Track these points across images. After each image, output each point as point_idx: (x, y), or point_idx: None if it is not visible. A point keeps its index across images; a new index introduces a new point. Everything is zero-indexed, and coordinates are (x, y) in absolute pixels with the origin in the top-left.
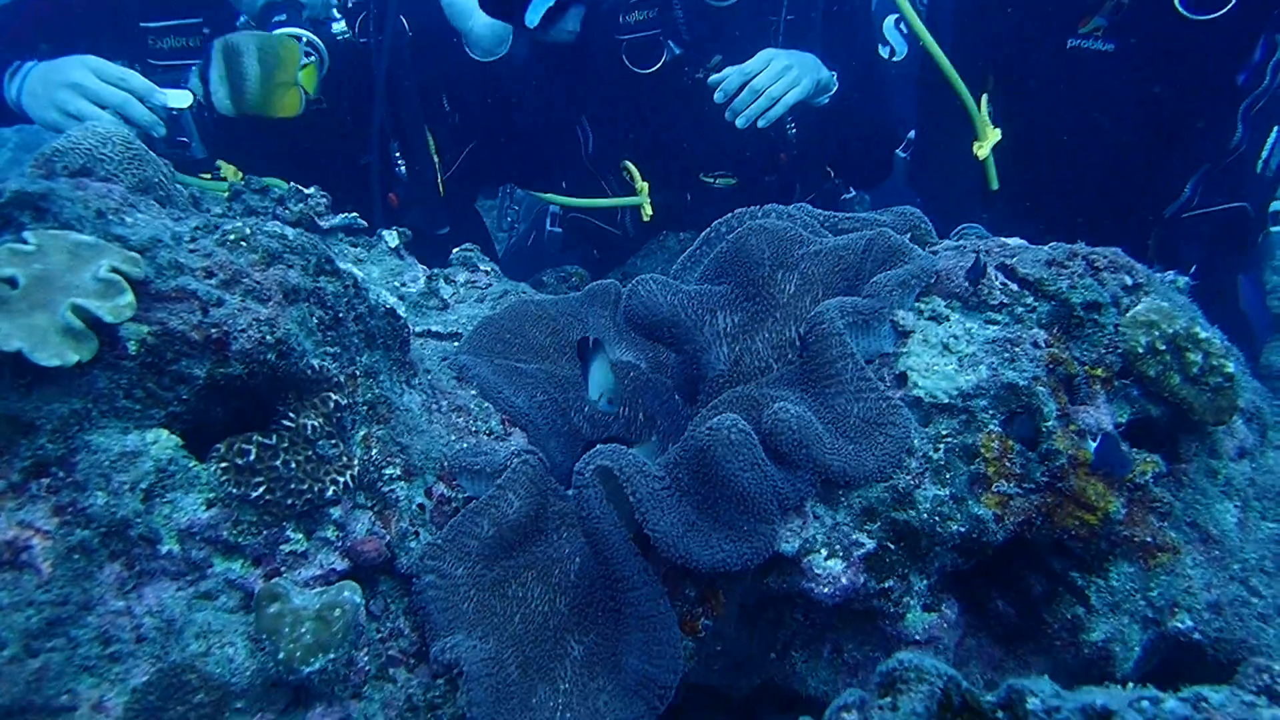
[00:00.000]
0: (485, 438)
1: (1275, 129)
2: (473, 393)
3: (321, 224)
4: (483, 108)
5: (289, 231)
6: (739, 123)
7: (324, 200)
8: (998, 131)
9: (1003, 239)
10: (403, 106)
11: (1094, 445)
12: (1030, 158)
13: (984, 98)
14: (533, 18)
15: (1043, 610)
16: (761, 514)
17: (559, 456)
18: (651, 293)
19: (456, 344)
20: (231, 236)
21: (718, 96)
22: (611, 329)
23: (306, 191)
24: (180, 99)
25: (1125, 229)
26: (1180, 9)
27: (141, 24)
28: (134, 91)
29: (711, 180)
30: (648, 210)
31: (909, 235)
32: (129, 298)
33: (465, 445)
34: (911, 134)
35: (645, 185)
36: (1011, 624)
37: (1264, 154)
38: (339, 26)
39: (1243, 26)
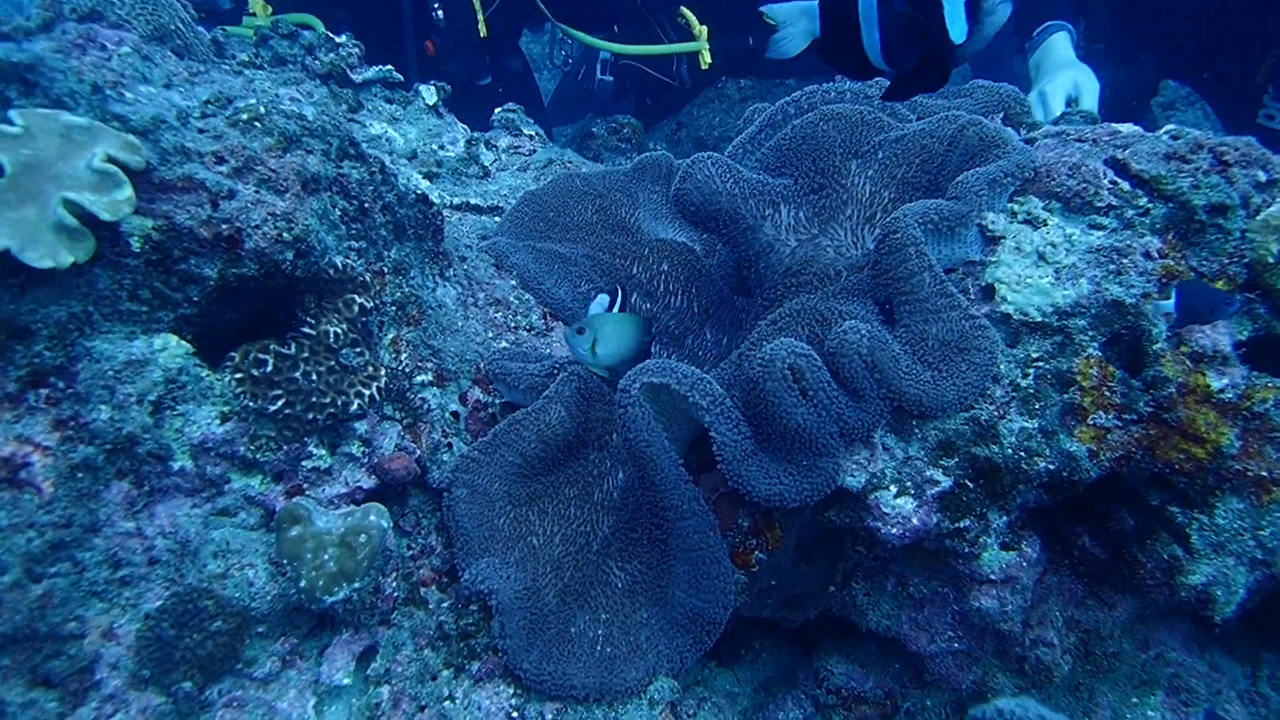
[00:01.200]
0: (525, 334)
1: None
2: (512, 283)
3: (354, 77)
4: None
5: (308, 110)
6: None
7: (356, 50)
8: None
9: (1113, 125)
10: None
11: (1171, 303)
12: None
13: None
14: None
15: (1135, 548)
16: (822, 449)
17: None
18: (709, 177)
19: (497, 219)
20: (244, 116)
21: None
22: (664, 206)
23: (338, 40)
24: None
25: (1237, 48)
26: None
27: None
28: None
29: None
30: (706, 58)
31: (1001, 116)
32: (127, 192)
33: (504, 344)
34: None
35: (704, 29)
36: (1097, 561)
37: None
38: None
39: None
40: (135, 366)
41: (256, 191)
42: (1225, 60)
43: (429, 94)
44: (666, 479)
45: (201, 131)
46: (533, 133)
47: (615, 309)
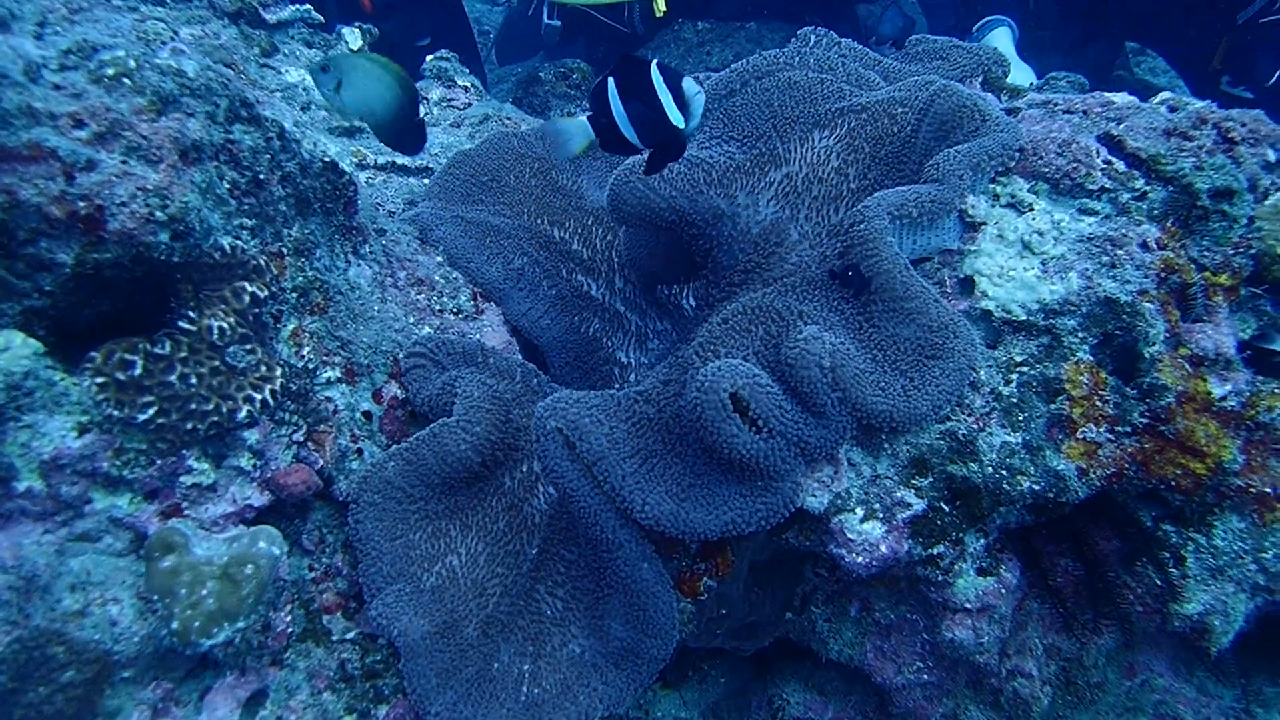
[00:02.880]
0: (452, 317)
1: None
2: (438, 259)
3: (268, 16)
4: None
5: (188, 65)
6: None
7: None
8: None
9: (1107, 94)
10: None
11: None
12: None
13: None
14: None
15: (1121, 571)
16: (776, 473)
17: (544, 321)
18: (638, 194)
19: (426, 181)
20: (110, 71)
21: None
22: (608, 169)
23: None
24: None
25: (1187, 34)
26: None
27: None
28: None
29: None
30: (661, 5)
31: (980, 81)
32: None
33: (426, 330)
34: None
35: None
36: (1080, 585)
37: None
38: None
39: None
40: None
41: (123, 162)
42: (1178, 44)
43: (353, 37)
44: (594, 514)
45: (57, 88)
46: (468, 84)
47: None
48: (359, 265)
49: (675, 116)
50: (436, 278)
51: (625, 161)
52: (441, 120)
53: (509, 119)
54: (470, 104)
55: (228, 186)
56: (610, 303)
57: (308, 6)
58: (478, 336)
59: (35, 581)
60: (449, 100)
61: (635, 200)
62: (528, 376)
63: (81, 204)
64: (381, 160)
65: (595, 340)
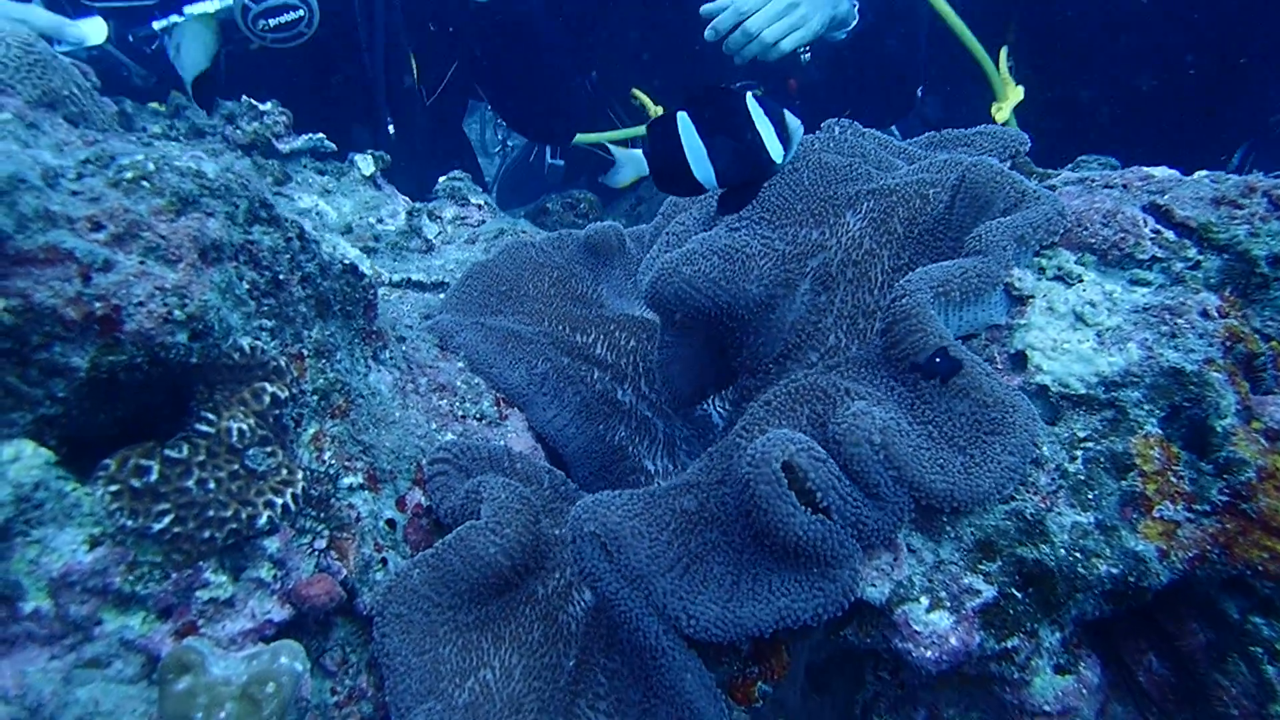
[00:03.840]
0: (475, 423)
1: None
2: (459, 365)
3: (281, 146)
4: (490, 52)
5: (208, 167)
6: (735, 60)
7: (283, 118)
8: (1020, 90)
9: (1145, 168)
10: (394, 56)
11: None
12: (1058, 120)
13: (1003, 52)
14: None
15: (1210, 669)
16: (833, 558)
17: (570, 430)
18: (685, 283)
19: (442, 296)
20: (128, 175)
21: (708, 34)
22: (626, 279)
23: (262, 108)
24: (96, 30)
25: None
26: None
27: None
28: (39, 30)
29: None
30: None
31: (1009, 165)
32: None
33: (450, 436)
34: (920, 92)
35: (659, 110)
36: (1168, 686)
37: None
38: None
39: None
40: None
41: (141, 262)
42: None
43: (365, 164)
44: (631, 616)
45: (74, 194)
46: (481, 202)
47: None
48: (379, 370)
49: (775, 149)
50: (458, 383)
51: (661, 257)
52: (455, 238)
53: (523, 232)
54: (484, 220)
55: (247, 287)
56: (637, 408)
57: (320, 136)
58: (502, 442)
59: (40, 713)
60: (462, 218)
61: (680, 291)
62: (555, 482)
63: (98, 304)
64: (396, 278)
65: (621, 448)
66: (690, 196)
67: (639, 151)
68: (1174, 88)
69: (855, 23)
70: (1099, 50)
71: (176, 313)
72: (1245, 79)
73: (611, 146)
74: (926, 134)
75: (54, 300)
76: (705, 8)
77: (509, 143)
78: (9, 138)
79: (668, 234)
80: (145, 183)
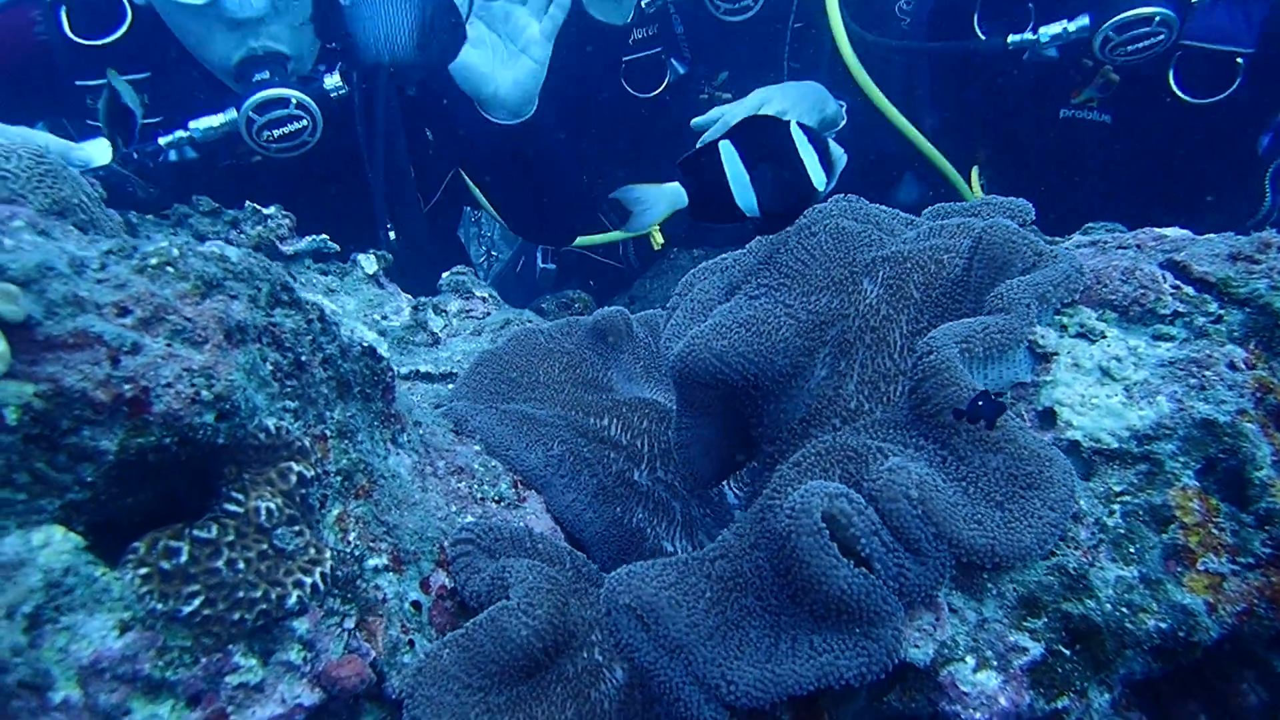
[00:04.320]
0: (494, 505)
1: None
2: (475, 448)
3: (284, 249)
4: (494, 158)
5: (231, 252)
6: None
7: (287, 221)
8: None
9: (1157, 229)
10: (396, 172)
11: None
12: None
13: (974, 171)
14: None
15: None
16: (875, 616)
17: (588, 515)
18: (716, 356)
19: (450, 386)
20: (154, 261)
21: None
22: (635, 363)
23: (266, 211)
24: (101, 152)
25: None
26: (1178, 92)
27: (78, 82)
28: None
29: None
30: (658, 238)
31: None
32: (1, 347)
33: (469, 519)
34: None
35: None
36: None
37: None
38: (332, 81)
39: (1254, 101)
40: (6, 571)
41: (168, 344)
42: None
43: (369, 263)
44: (670, 686)
45: (100, 281)
46: (485, 294)
47: None
48: (399, 453)
49: (819, 177)
50: (476, 466)
51: (689, 331)
52: (461, 330)
53: (529, 321)
54: (489, 313)
55: (271, 368)
56: (654, 490)
57: (324, 237)
58: (522, 524)
59: None
60: (468, 311)
61: (710, 365)
62: (578, 564)
63: (127, 387)
64: (404, 370)
65: (639, 531)
66: (727, 223)
67: (672, 185)
68: (1138, 204)
69: (844, 123)
70: (1063, 169)
71: (204, 393)
72: (1207, 194)
73: (634, 187)
74: (932, 207)
75: (84, 384)
76: (694, 121)
77: (494, 253)
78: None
79: (691, 301)
80: (170, 268)
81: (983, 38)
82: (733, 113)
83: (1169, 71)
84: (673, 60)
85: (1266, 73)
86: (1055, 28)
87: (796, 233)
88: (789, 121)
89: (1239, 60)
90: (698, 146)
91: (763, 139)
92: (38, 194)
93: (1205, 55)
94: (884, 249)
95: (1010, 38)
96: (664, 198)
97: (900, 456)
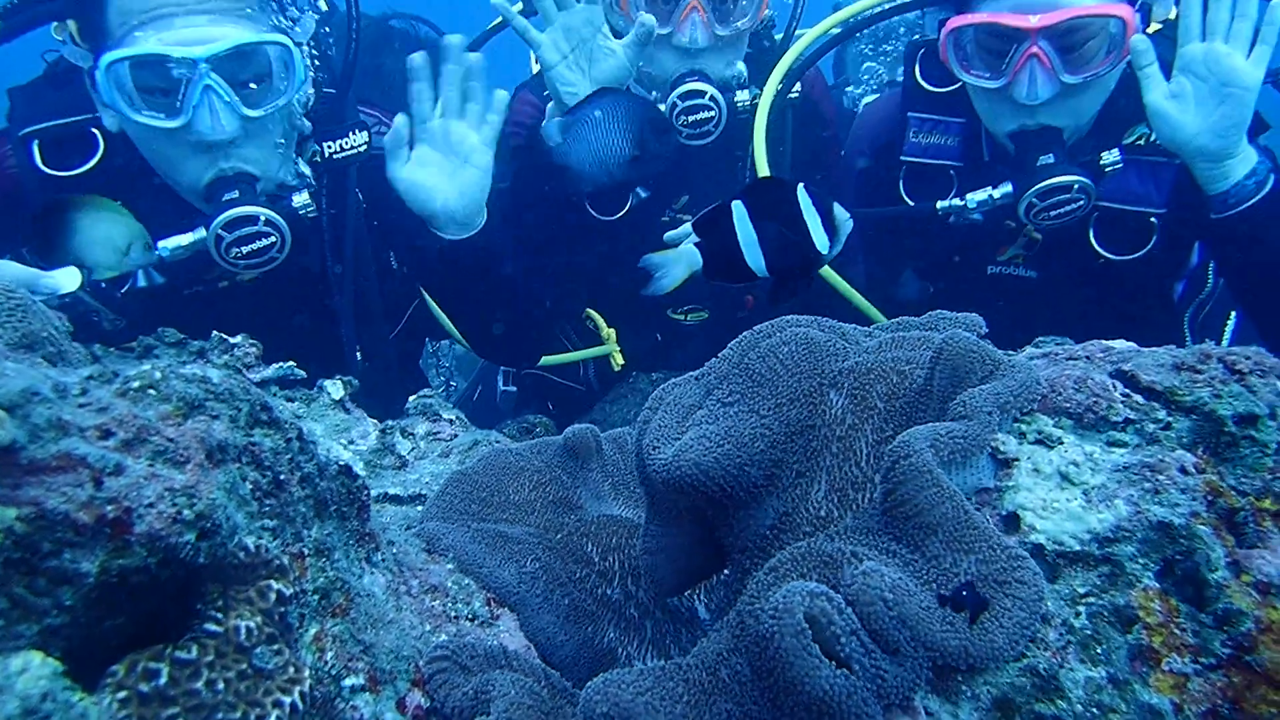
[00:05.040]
0: (468, 623)
1: (1229, 331)
2: (449, 567)
3: (251, 376)
4: (457, 283)
5: (212, 373)
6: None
7: (253, 350)
8: None
9: (1104, 341)
10: (363, 294)
11: None
12: None
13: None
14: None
15: None
16: (856, 716)
17: (560, 637)
18: (695, 466)
19: (420, 508)
20: (136, 384)
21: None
22: (604, 480)
23: (232, 341)
24: (70, 279)
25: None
26: (1098, 248)
27: None
28: (12, 282)
29: (682, 316)
30: (618, 359)
31: None
32: None
33: (443, 637)
34: None
35: (612, 332)
36: None
37: None
38: (300, 199)
39: (1168, 255)
40: None
41: (150, 465)
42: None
43: (335, 389)
44: None
45: (83, 405)
46: (453, 417)
47: None
48: (373, 573)
49: (822, 241)
50: (449, 584)
51: (672, 442)
52: (429, 453)
53: (497, 442)
54: (457, 435)
55: (250, 487)
56: (625, 607)
57: (291, 364)
58: (496, 641)
59: None
60: (435, 434)
61: (690, 475)
62: (553, 681)
63: (110, 508)
64: (374, 493)
65: (611, 651)
66: (739, 283)
67: (687, 248)
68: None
69: None
70: (992, 322)
71: (185, 512)
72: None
73: (651, 255)
74: (892, 320)
75: (66, 505)
76: (669, 235)
77: (452, 383)
78: None
79: (672, 404)
80: (152, 390)
81: (910, 204)
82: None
83: (1089, 230)
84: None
85: (1177, 229)
86: (981, 194)
87: (766, 338)
88: (798, 185)
89: (1153, 220)
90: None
91: (771, 200)
92: (6, 328)
93: (1121, 215)
94: (848, 360)
95: (939, 204)
96: (681, 260)
97: (874, 561)
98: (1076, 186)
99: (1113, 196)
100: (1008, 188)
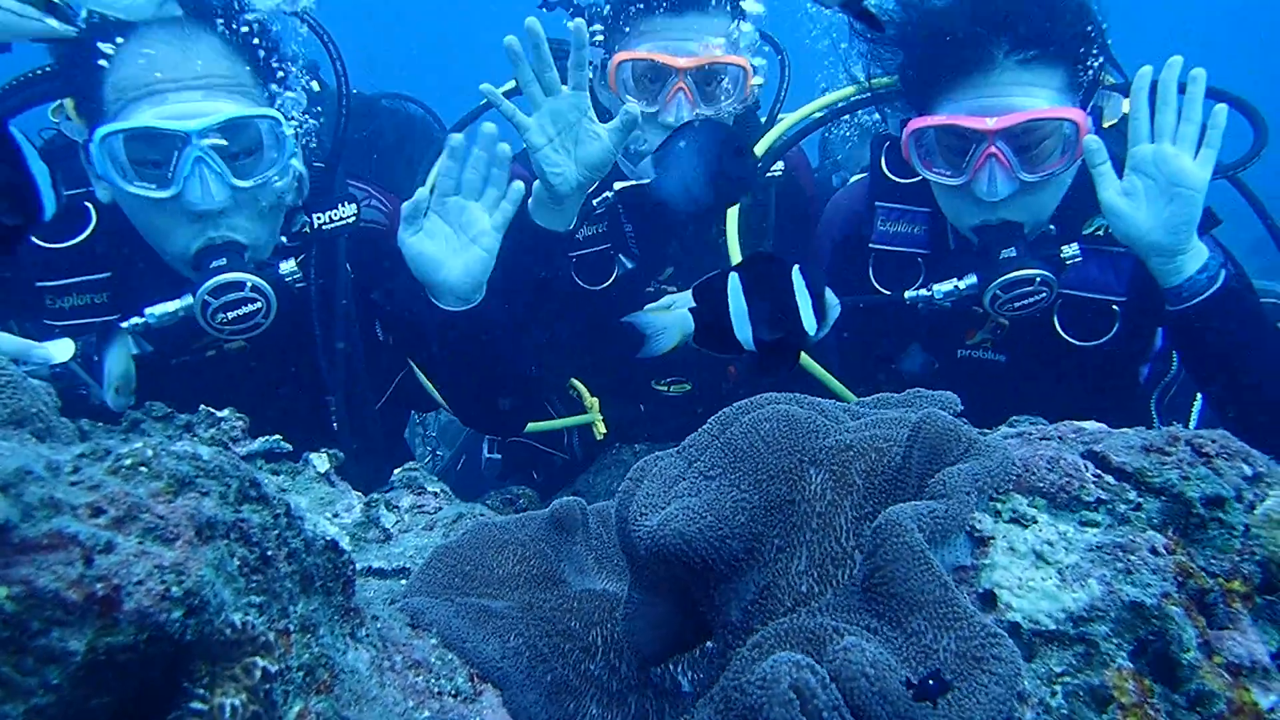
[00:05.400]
0: (451, 699)
1: (1195, 412)
2: (432, 642)
3: (237, 450)
4: (445, 356)
5: (203, 450)
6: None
7: (240, 423)
8: None
9: (1076, 423)
10: (350, 363)
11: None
12: None
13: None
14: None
15: None
16: None
17: (543, 714)
18: (679, 536)
19: (404, 582)
20: (128, 461)
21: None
22: (589, 555)
23: (219, 415)
24: (62, 350)
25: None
26: (1063, 334)
27: (38, 283)
28: (7, 353)
29: (665, 388)
30: (601, 428)
31: None
32: None
33: (427, 714)
34: None
35: (595, 401)
36: None
37: None
38: (287, 266)
39: (1133, 338)
40: None
41: (140, 542)
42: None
43: (320, 462)
44: None
45: (75, 483)
46: (437, 489)
47: None
48: (357, 649)
49: (810, 322)
50: (433, 659)
51: (656, 513)
52: (414, 525)
53: (482, 514)
54: (441, 507)
55: (238, 563)
56: (609, 681)
57: (277, 438)
58: (479, 718)
59: None
60: (419, 506)
61: (675, 546)
62: None
63: (99, 585)
64: (360, 565)
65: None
66: (726, 354)
67: (683, 312)
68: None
69: None
70: (965, 404)
71: (174, 589)
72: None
73: (647, 315)
74: (871, 397)
75: (57, 584)
76: (649, 307)
77: (437, 452)
78: None
79: (657, 475)
80: (144, 468)
81: (879, 288)
82: (682, 301)
83: (1054, 317)
84: (621, 256)
85: (1139, 316)
86: (947, 285)
87: (748, 413)
88: (794, 265)
89: (1115, 307)
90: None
91: (765, 276)
92: None
93: (1084, 302)
94: (829, 437)
95: (907, 293)
96: (675, 324)
97: (856, 636)
98: (1039, 280)
99: (1075, 285)
100: (973, 279)
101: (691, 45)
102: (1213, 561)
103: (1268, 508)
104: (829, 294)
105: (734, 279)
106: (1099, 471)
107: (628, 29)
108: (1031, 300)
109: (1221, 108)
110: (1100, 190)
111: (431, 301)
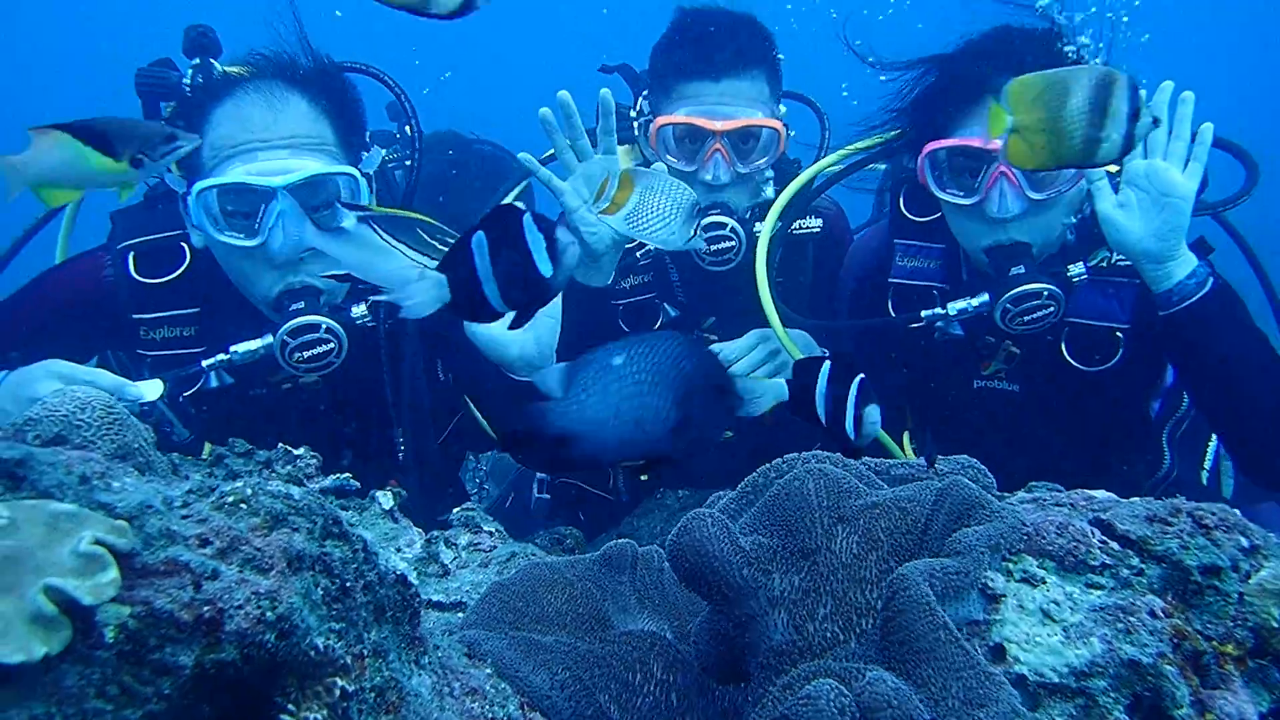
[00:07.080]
0: None
1: (1210, 451)
2: (487, 671)
3: (311, 486)
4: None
5: (294, 491)
6: None
7: (314, 461)
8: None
9: (1087, 491)
10: (415, 403)
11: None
12: None
13: (905, 435)
14: None
15: None
16: None
17: None
18: (706, 538)
19: (460, 615)
20: (230, 499)
21: None
22: (632, 595)
23: (295, 453)
24: (153, 389)
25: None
26: (1071, 360)
27: (133, 315)
28: (103, 389)
29: None
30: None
31: None
32: (112, 574)
33: None
34: None
35: None
36: None
37: (1204, 479)
38: (358, 310)
39: (1137, 369)
40: None
41: (240, 571)
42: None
43: (385, 499)
44: None
45: (185, 516)
46: (493, 529)
47: None
48: (420, 674)
49: (544, 265)
50: (487, 687)
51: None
52: (470, 562)
53: (534, 554)
54: (495, 546)
55: (321, 593)
56: (649, 715)
57: (347, 475)
58: None
59: None
60: (476, 544)
61: (699, 541)
62: None
63: (206, 608)
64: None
65: None
66: (483, 320)
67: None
68: (1048, 461)
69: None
70: (984, 434)
71: (269, 614)
72: (1110, 455)
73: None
74: (903, 459)
75: (171, 605)
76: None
77: (485, 486)
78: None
79: (724, 504)
80: (244, 505)
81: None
82: (725, 356)
83: (1062, 344)
84: (665, 305)
85: (1142, 345)
86: (961, 303)
87: (790, 469)
88: (525, 212)
89: (1118, 334)
90: None
91: (497, 230)
92: (105, 439)
93: (1089, 329)
94: (860, 499)
95: (924, 312)
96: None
97: (879, 670)
98: (1046, 293)
99: (1081, 313)
100: (984, 296)
101: (728, 109)
102: (1208, 626)
103: (1262, 578)
104: (561, 231)
105: (479, 237)
106: (1105, 538)
107: (671, 93)
108: (1040, 315)
109: (1208, 125)
110: (1097, 202)
111: (505, 373)
